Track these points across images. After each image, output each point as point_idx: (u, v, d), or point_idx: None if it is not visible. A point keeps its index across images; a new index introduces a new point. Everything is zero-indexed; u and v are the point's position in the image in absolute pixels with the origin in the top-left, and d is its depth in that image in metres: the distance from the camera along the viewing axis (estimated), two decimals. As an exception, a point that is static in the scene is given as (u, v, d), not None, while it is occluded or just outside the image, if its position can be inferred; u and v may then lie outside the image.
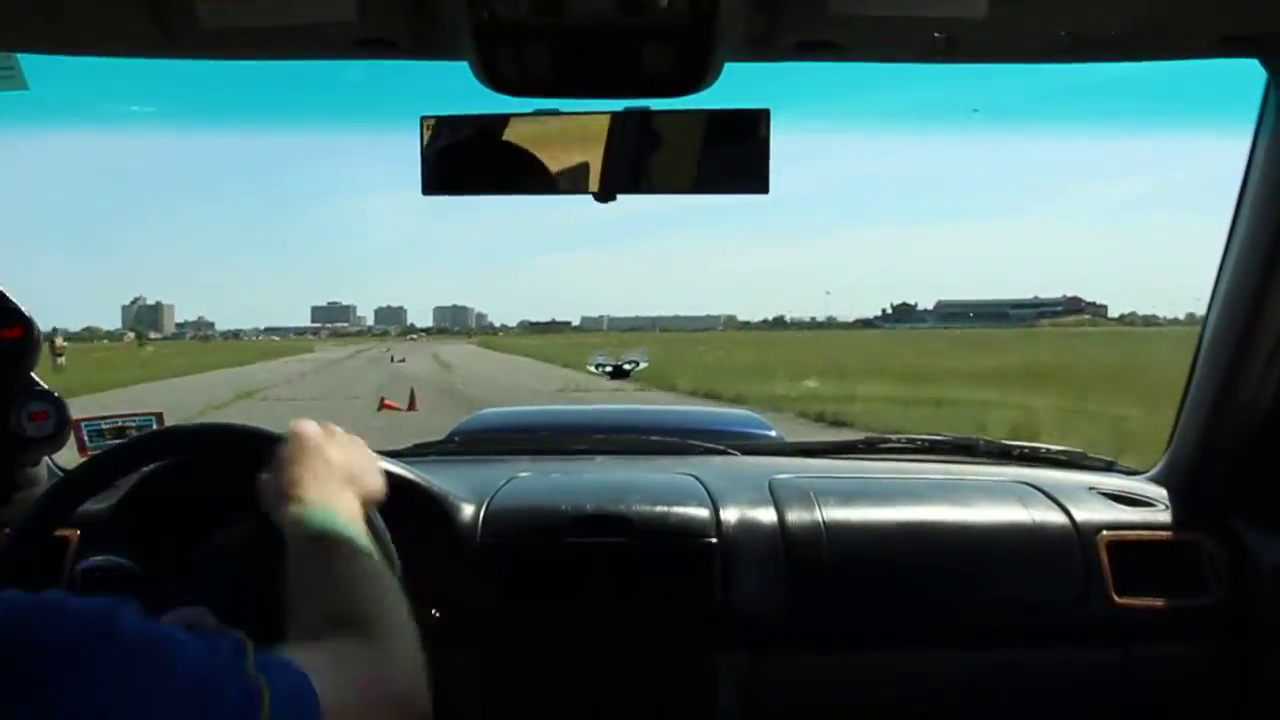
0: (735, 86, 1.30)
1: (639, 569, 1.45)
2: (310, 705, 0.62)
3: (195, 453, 1.31)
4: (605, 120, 1.29)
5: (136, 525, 1.36)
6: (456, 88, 1.32)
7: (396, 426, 11.20)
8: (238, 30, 1.18)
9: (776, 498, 1.55)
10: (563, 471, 1.78)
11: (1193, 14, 1.26)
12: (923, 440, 1.92)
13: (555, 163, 1.31)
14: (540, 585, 1.46)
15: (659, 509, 1.50)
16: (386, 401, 16.13)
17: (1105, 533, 1.52)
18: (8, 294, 1.41)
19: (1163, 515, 1.58)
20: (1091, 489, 1.64)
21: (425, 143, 1.30)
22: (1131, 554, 1.52)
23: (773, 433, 2.89)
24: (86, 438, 1.65)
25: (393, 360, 43.48)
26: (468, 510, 1.50)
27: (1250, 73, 1.40)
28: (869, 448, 1.94)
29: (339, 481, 1.02)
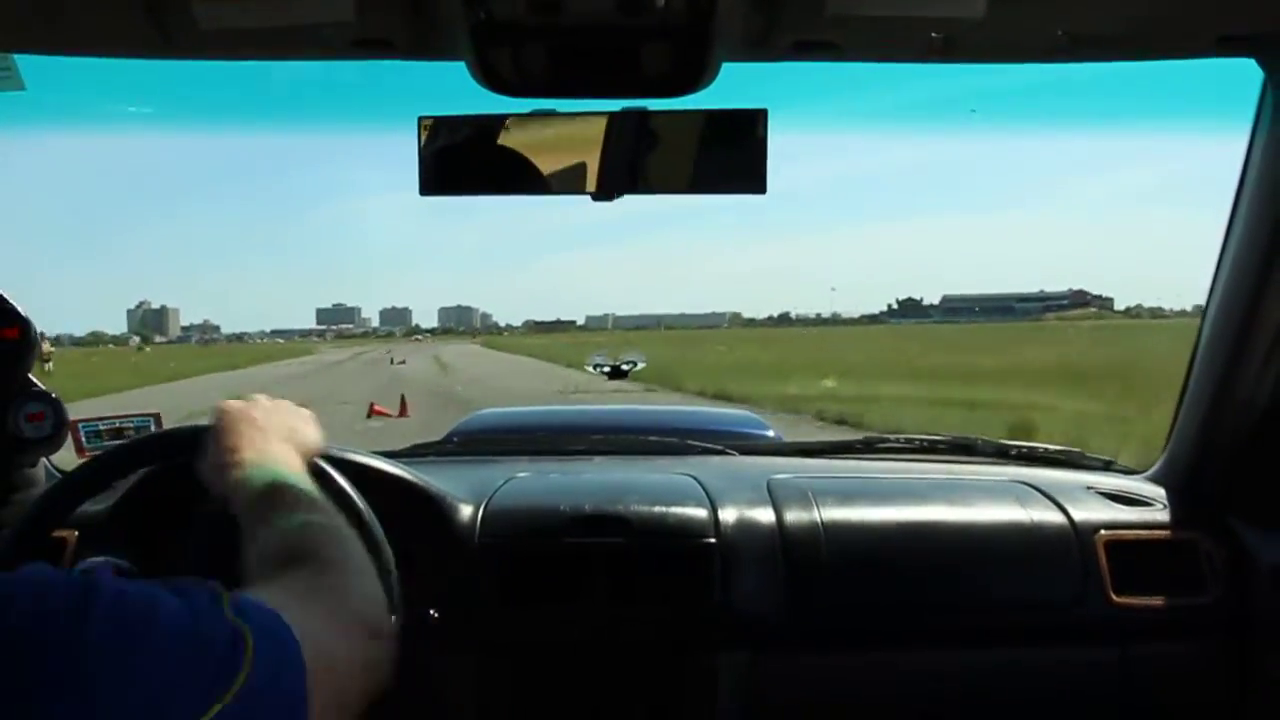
0: (733, 86, 1.30)
1: (637, 569, 1.45)
2: (286, 638, 0.63)
3: (193, 454, 1.31)
4: (602, 120, 1.29)
5: (134, 526, 1.36)
6: (454, 88, 1.33)
7: (386, 434, 11.10)
8: (235, 31, 1.18)
9: (775, 498, 1.55)
10: (561, 472, 1.78)
11: (1189, 14, 1.27)
12: (921, 440, 1.93)
13: (552, 163, 1.30)
14: (539, 585, 1.46)
15: (657, 509, 1.50)
16: (376, 407, 15.46)
17: (1103, 532, 1.53)
18: (5, 295, 1.41)
19: (1161, 514, 1.59)
20: (1089, 488, 1.64)
21: (422, 143, 1.30)
22: (1130, 553, 1.52)
23: (770, 433, 2.89)
24: (84, 439, 1.64)
25: (392, 362, 43.10)
26: (466, 511, 1.50)
27: (1248, 72, 1.40)
28: (867, 448, 1.95)
29: (274, 440, 1.06)
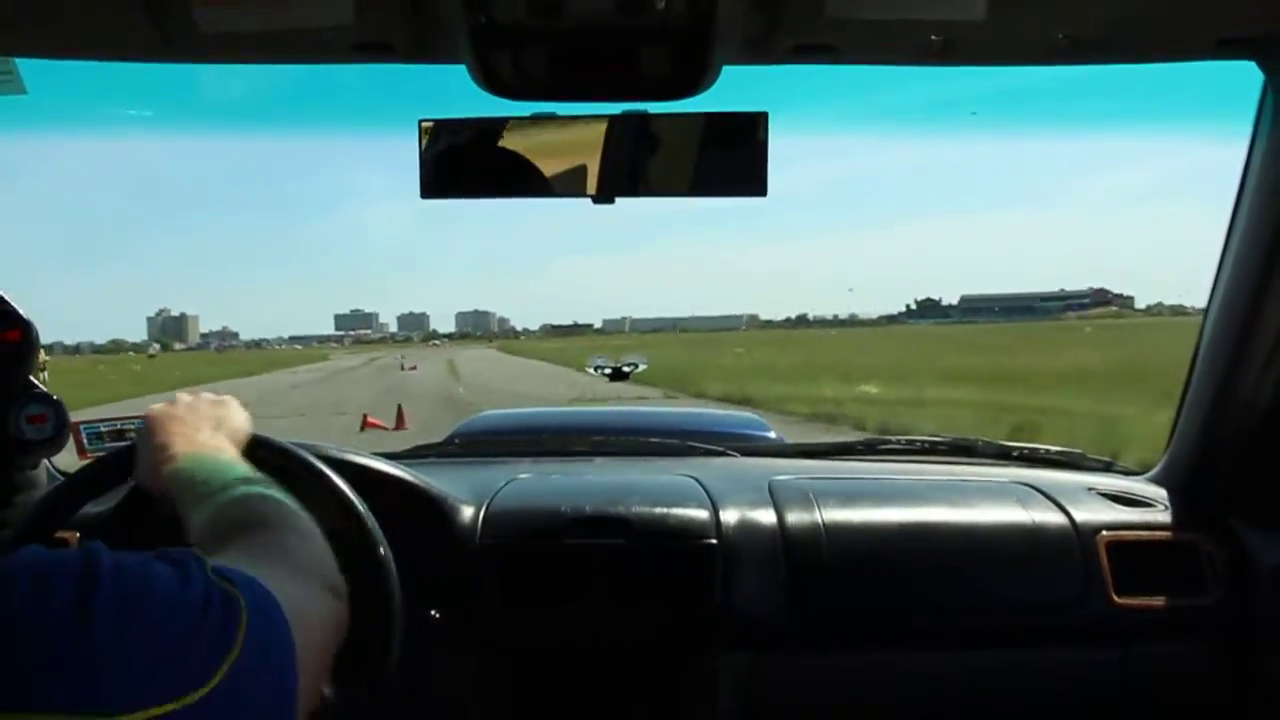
0: (733, 89, 1.30)
1: (639, 570, 1.46)
2: (265, 594, 0.63)
3: None
4: (603, 123, 1.29)
5: (136, 528, 1.36)
6: (455, 92, 1.33)
7: (380, 447, 10.86)
8: (235, 35, 1.19)
9: (776, 499, 1.55)
10: (562, 473, 1.78)
11: (1189, 17, 1.27)
12: (922, 441, 1.93)
13: (553, 166, 1.31)
14: (540, 586, 1.46)
15: (658, 510, 1.50)
16: (370, 420, 14.36)
17: (1105, 533, 1.53)
18: (6, 297, 1.41)
19: (1162, 515, 1.58)
20: (1091, 489, 1.64)
21: (423, 147, 1.30)
22: (1131, 554, 1.52)
23: (772, 434, 2.89)
24: (86, 440, 1.64)
25: (402, 368, 42.50)
26: (467, 512, 1.50)
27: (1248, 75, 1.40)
28: (868, 449, 1.95)
29: (204, 431, 1.08)
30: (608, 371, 28.25)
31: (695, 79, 1.26)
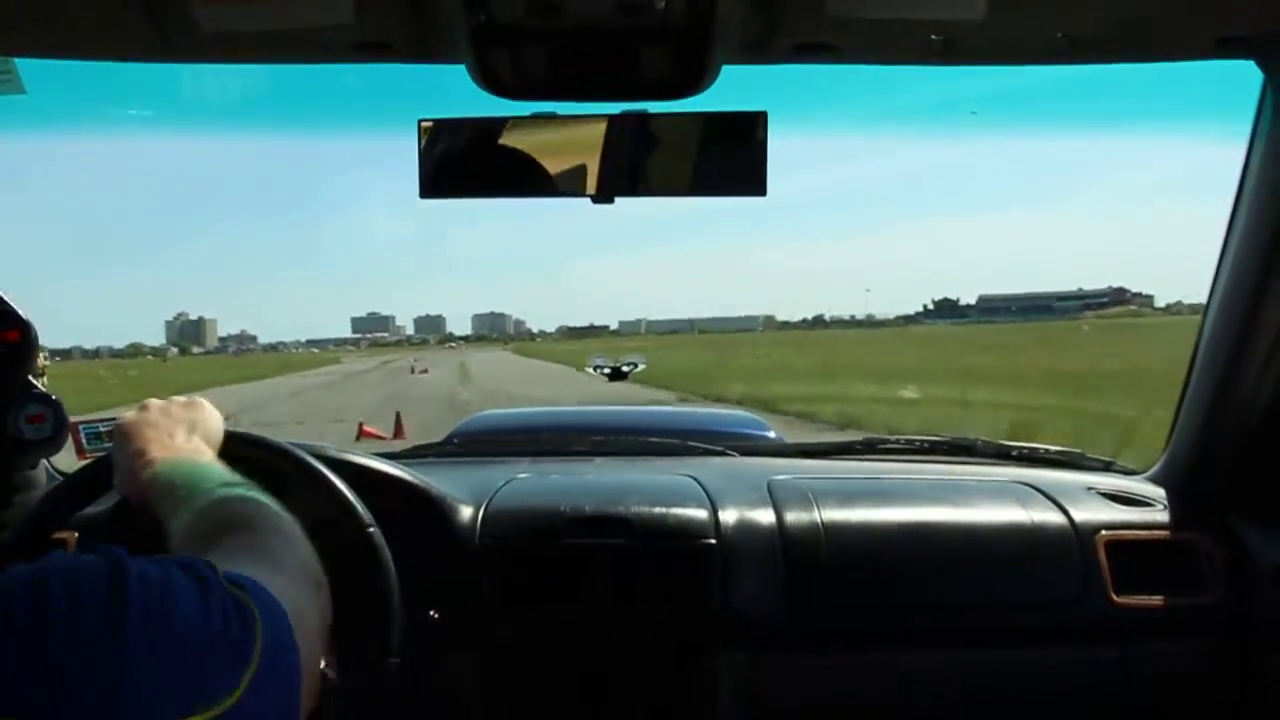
0: (733, 89, 1.30)
1: (638, 570, 1.46)
2: (272, 601, 0.63)
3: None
4: (602, 123, 1.29)
5: (135, 528, 1.36)
6: (454, 91, 1.33)
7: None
8: (235, 34, 1.18)
9: (775, 499, 1.56)
10: (562, 473, 1.78)
11: (1188, 16, 1.27)
12: (921, 441, 1.93)
13: (552, 165, 1.31)
14: (539, 586, 1.46)
15: (658, 510, 1.50)
16: (366, 429, 13.62)
17: (1104, 532, 1.53)
18: (5, 298, 1.41)
19: (1161, 515, 1.59)
20: (1090, 489, 1.64)
21: (422, 146, 1.30)
22: (1130, 554, 1.52)
23: (771, 433, 2.90)
24: (85, 440, 1.64)
25: (413, 371, 41.74)
26: (466, 512, 1.50)
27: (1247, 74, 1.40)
28: (867, 448, 1.95)
29: (179, 435, 1.08)
30: (606, 371, 28.20)
31: (695, 79, 1.26)
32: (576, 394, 21.70)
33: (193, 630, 0.56)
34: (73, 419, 1.51)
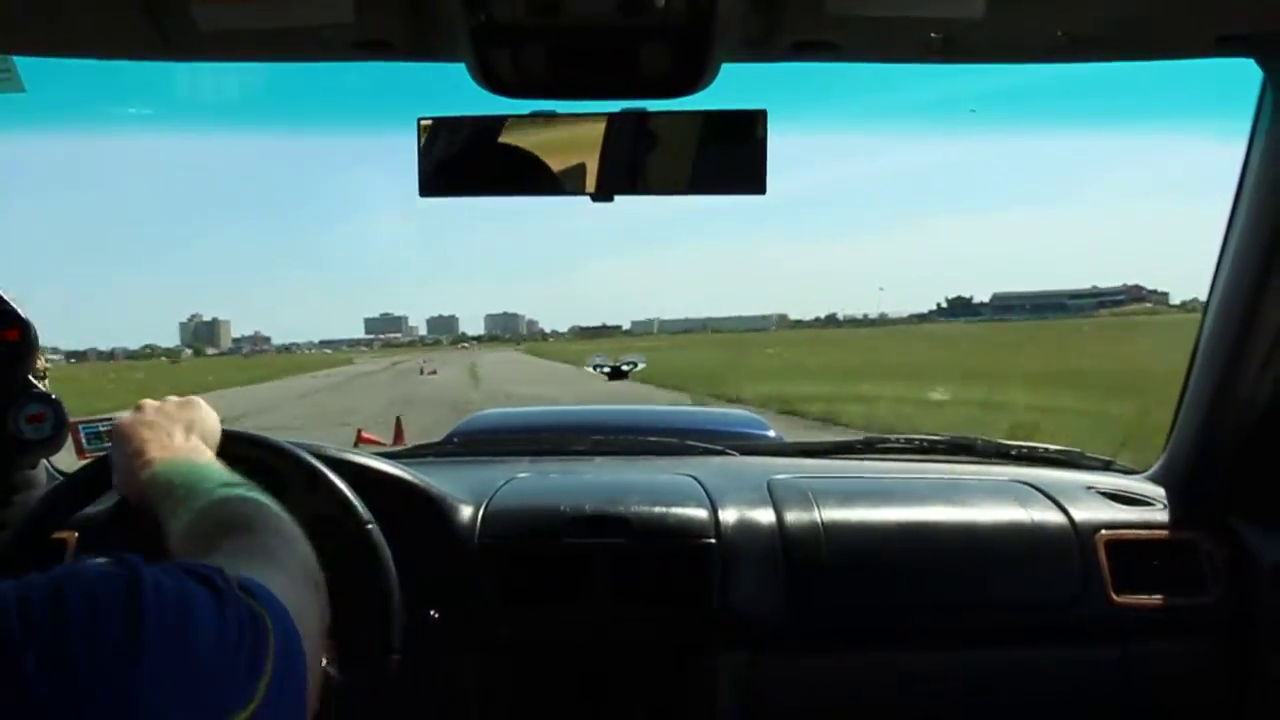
0: (732, 87, 1.30)
1: (638, 569, 1.45)
2: (280, 607, 0.63)
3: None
4: (602, 121, 1.29)
5: (135, 528, 1.36)
6: (454, 90, 1.33)
7: None
8: (234, 33, 1.18)
9: (775, 498, 1.55)
10: (561, 472, 1.78)
11: (1188, 14, 1.27)
12: (921, 440, 1.93)
13: (552, 164, 1.30)
14: (539, 586, 1.46)
15: (658, 510, 1.50)
16: (364, 434, 13.92)
17: (1104, 532, 1.53)
18: (5, 297, 1.41)
19: (1161, 514, 1.59)
20: (1090, 488, 1.64)
21: (422, 145, 1.30)
22: (1130, 553, 1.52)
23: (771, 433, 2.90)
24: (85, 440, 1.64)
25: (421, 372, 41.19)
26: (466, 511, 1.50)
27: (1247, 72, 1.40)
28: (867, 447, 1.95)
29: (177, 435, 1.08)
30: (606, 370, 28.16)
31: (694, 77, 1.26)
32: (590, 394, 21.30)
33: (208, 642, 0.55)
34: (72, 419, 1.51)
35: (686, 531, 1.48)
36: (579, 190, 1.31)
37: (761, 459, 1.90)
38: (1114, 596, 1.49)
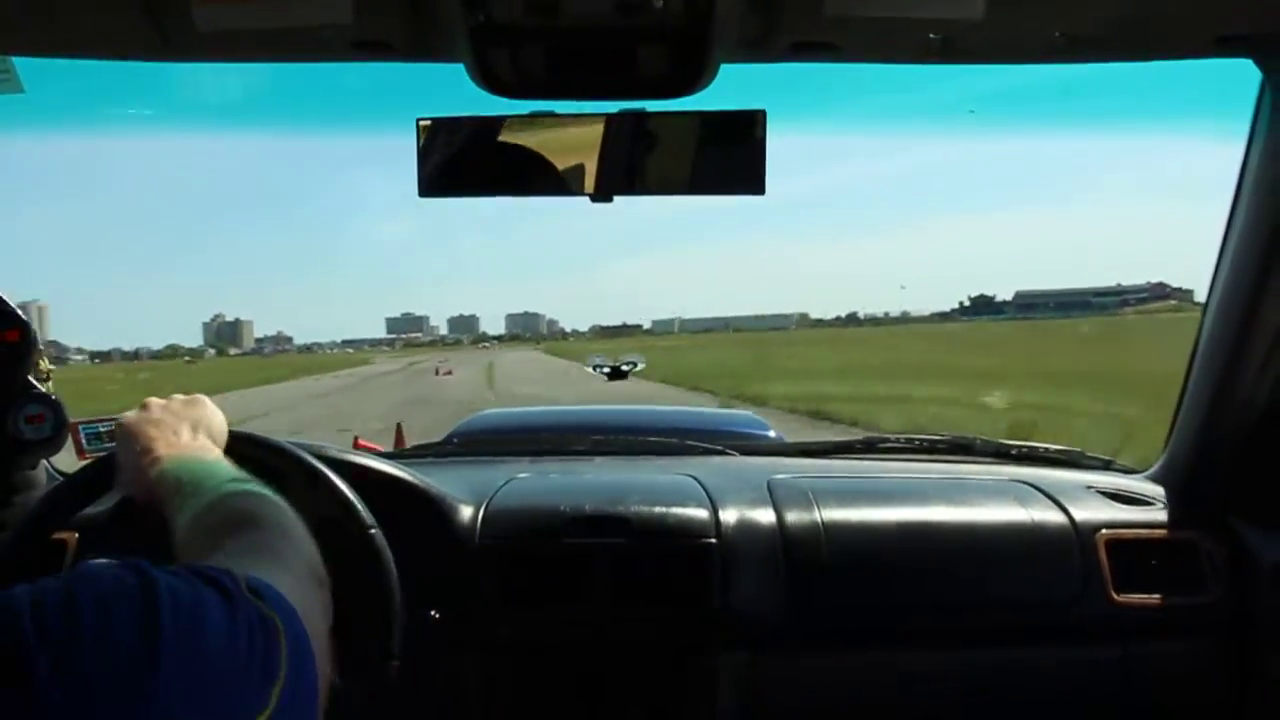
0: (731, 88, 1.30)
1: (638, 570, 1.45)
2: (289, 608, 0.62)
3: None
4: (601, 122, 1.29)
5: (136, 529, 1.36)
6: (453, 90, 1.31)
7: None
8: (233, 33, 1.18)
9: (775, 498, 1.55)
10: (561, 472, 1.78)
11: (1187, 15, 1.27)
12: (921, 440, 1.93)
13: (551, 164, 1.30)
14: (539, 586, 1.46)
15: (658, 510, 1.50)
16: (361, 443, 13.51)
17: (1104, 531, 1.53)
18: (4, 298, 1.41)
19: (1161, 514, 1.59)
20: (1090, 488, 1.64)
21: (421, 145, 1.30)
22: (1130, 553, 1.52)
23: (771, 433, 2.90)
24: (85, 441, 1.64)
25: (437, 373, 40.42)
26: (466, 511, 1.50)
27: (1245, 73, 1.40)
28: (867, 447, 1.95)
29: (184, 433, 1.08)
30: (606, 370, 28.10)
31: (693, 77, 1.26)
32: (611, 396, 20.49)
33: (221, 650, 0.55)
34: (72, 419, 1.51)
35: (687, 532, 1.48)
36: (578, 191, 1.31)
37: (762, 459, 1.90)
38: (1114, 596, 1.49)
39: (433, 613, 1.35)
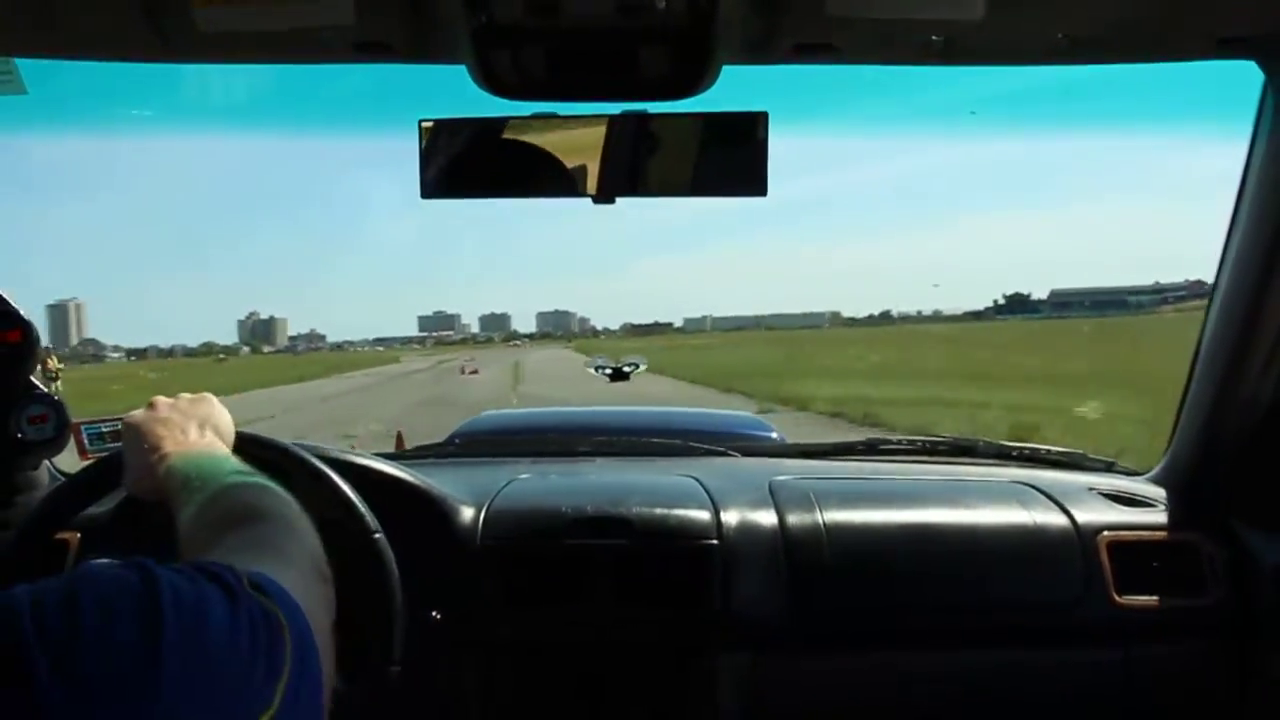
0: (733, 89, 1.30)
1: (639, 571, 1.45)
2: (292, 603, 0.62)
3: None
4: (603, 123, 1.29)
5: (137, 529, 1.36)
6: (455, 92, 1.32)
7: None
8: (234, 35, 1.18)
9: (777, 499, 1.55)
10: (563, 473, 1.78)
11: (1189, 16, 1.27)
12: (922, 441, 1.93)
13: (553, 165, 1.31)
14: (541, 587, 1.46)
15: (659, 511, 1.50)
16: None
17: (1106, 533, 1.52)
18: (6, 298, 1.41)
19: (1162, 516, 1.58)
20: (1091, 489, 1.64)
21: (423, 147, 1.30)
22: (1132, 554, 1.52)
23: (773, 434, 2.89)
24: (87, 441, 1.64)
25: (463, 371, 39.96)
26: (468, 512, 1.50)
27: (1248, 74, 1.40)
28: (869, 449, 1.95)
29: (191, 431, 1.08)
30: (608, 371, 28.12)
31: (695, 79, 1.26)
32: (645, 398, 19.38)
33: (224, 647, 0.54)
34: (74, 419, 1.51)
35: (688, 533, 1.48)
36: (580, 192, 1.31)
37: (763, 460, 1.90)
38: (1116, 598, 1.48)
39: (434, 613, 1.35)
